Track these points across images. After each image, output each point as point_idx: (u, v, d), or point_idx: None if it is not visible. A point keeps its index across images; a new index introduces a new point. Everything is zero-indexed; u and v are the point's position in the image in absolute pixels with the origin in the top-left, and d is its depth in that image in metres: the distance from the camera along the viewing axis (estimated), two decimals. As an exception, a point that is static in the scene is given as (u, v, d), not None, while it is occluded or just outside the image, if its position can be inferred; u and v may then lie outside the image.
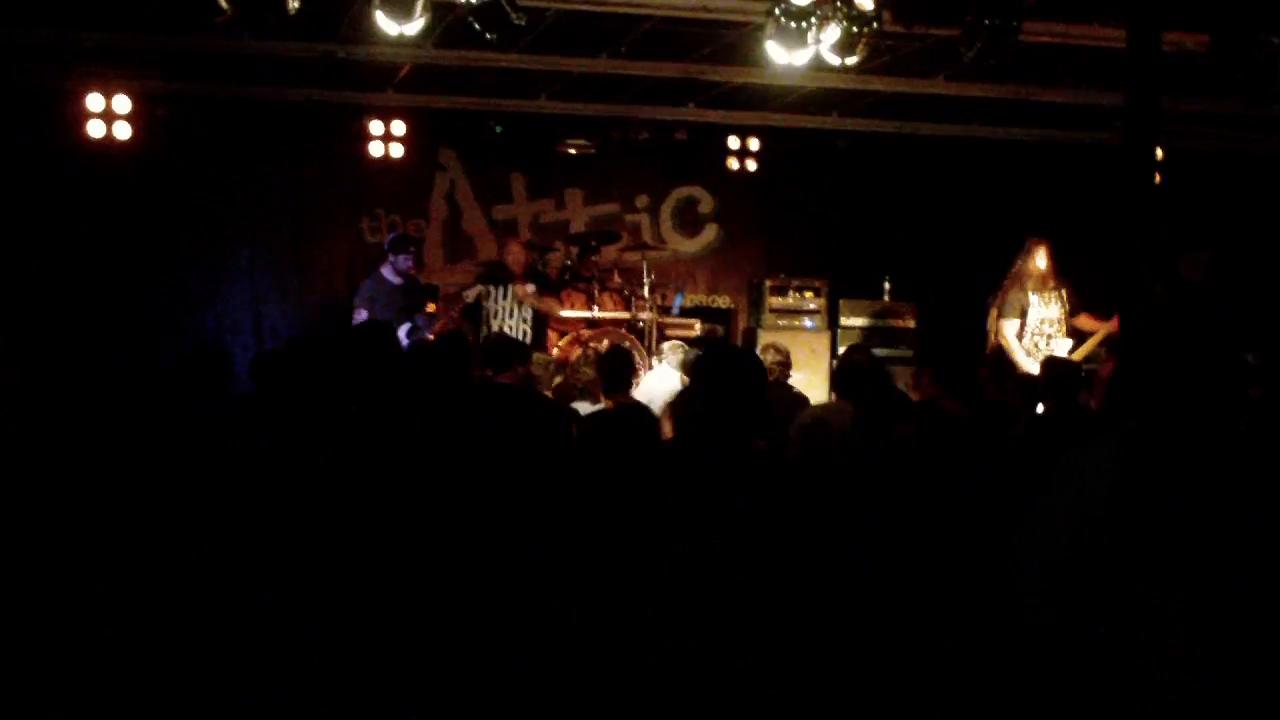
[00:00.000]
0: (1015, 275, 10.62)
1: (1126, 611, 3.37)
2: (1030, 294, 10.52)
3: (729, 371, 3.94)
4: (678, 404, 8.53)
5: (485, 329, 11.30)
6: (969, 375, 8.27)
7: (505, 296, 10.96)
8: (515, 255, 11.76)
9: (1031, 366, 9.65)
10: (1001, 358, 10.17)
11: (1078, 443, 3.70)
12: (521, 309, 11.03)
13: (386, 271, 11.37)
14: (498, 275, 11.77)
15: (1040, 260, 10.55)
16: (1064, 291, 10.61)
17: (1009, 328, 10.49)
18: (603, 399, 8.31)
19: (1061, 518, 3.58)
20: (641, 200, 13.93)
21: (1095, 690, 3.39)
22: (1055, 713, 3.50)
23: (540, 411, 7.52)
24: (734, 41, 10.12)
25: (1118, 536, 3.42)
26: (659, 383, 9.89)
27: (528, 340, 10.74)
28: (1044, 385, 7.88)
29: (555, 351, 11.41)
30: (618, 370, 8.36)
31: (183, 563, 4.63)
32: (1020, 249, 10.73)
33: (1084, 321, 10.53)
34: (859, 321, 13.22)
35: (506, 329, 11.17)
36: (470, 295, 11.75)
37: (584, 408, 8.36)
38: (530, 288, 11.50)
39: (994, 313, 10.66)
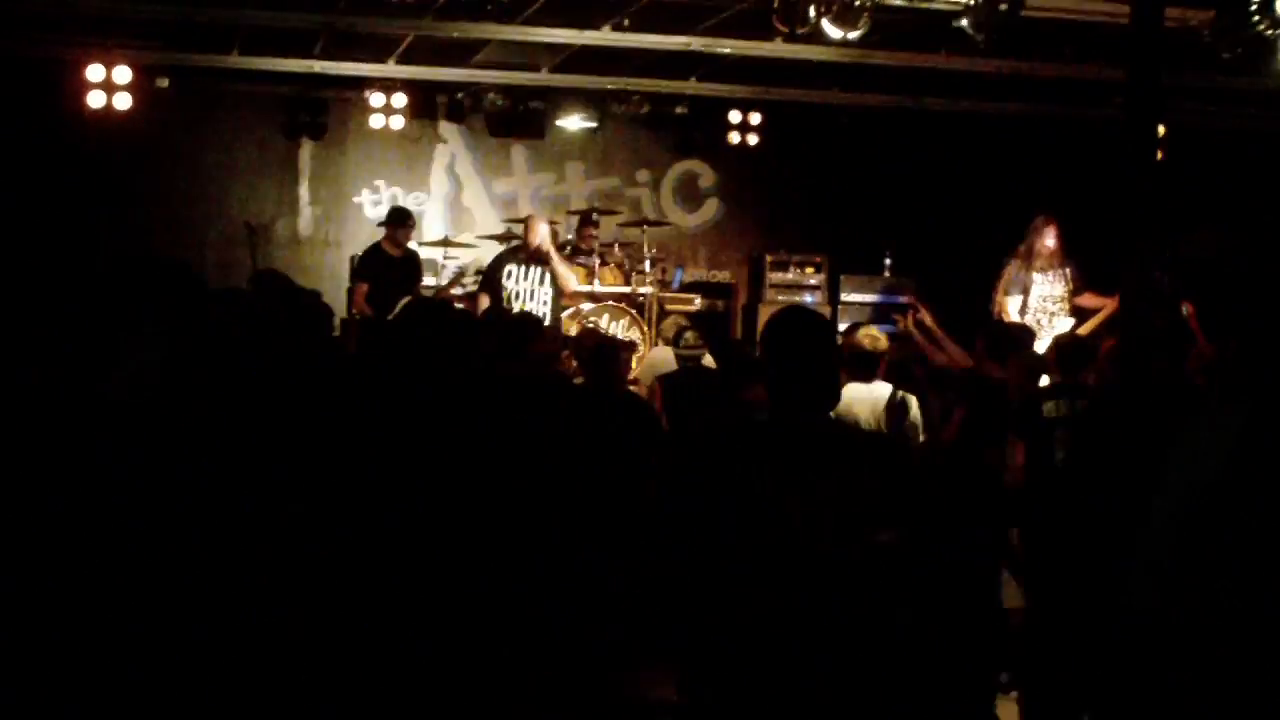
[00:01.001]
0: (1022, 252, 10.58)
1: (1230, 601, 3.29)
2: (1034, 273, 10.50)
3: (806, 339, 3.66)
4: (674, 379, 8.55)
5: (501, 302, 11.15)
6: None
7: (527, 277, 10.89)
8: (541, 232, 11.58)
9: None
10: (1002, 331, 10.11)
11: (1190, 424, 3.59)
12: (543, 288, 10.94)
13: (385, 244, 11.36)
14: (521, 256, 11.59)
15: (1049, 239, 10.50)
16: (1068, 270, 10.58)
17: (1012, 304, 10.47)
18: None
19: (1169, 504, 3.47)
20: (642, 174, 13.94)
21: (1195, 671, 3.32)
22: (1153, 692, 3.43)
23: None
24: (736, 15, 10.09)
25: (1222, 524, 3.33)
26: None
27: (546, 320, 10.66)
28: (1054, 362, 7.88)
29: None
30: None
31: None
32: (1029, 226, 10.67)
33: (1088, 299, 10.49)
34: (860, 297, 13.21)
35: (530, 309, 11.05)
36: (470, 269, 11.74)
37: None
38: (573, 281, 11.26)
39: (999, 287, 10.62)
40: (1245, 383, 3.78)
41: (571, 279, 10.88)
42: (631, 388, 8.83)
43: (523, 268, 10.79)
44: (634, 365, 9.85)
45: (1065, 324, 10.34)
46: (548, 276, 10.68)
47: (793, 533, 3.37)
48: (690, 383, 8.44)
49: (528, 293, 10.81)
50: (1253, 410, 3.36)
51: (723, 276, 13.68)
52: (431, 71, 12.32)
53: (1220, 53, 8.96)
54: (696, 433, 7.35)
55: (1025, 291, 10.48)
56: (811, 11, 8.63)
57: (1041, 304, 10.46)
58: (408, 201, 13.08)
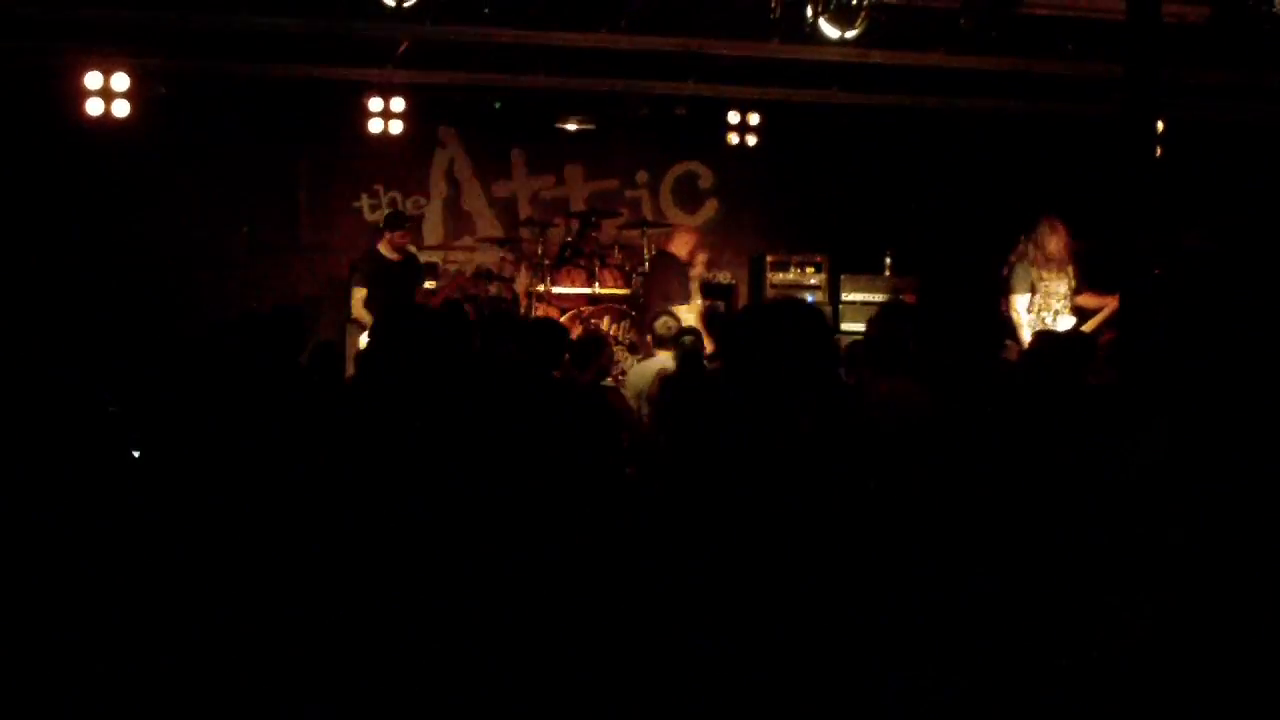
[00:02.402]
0: (1030, 252, 10.54)
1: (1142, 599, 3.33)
2: (1042, 270, 10.48)
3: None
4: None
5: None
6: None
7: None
8: (689, 245, 11.41)
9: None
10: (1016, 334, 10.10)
11: (1103, 426, 3.63)
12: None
13: (383, 248, 11.34)
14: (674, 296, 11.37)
15: (1057, 241, 10.46)
16: (1070, 268, 10.57)
17: (1020, 302, 10.46)
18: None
19: (1089, 500, 3.49)
20: (641, 176, 13.93)
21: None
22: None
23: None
24: (733, 15, 10.10)
25: (1146, 519, 3.36)
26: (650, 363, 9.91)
27: None
28: (1034, 358, 7.88)
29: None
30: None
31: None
32: (1036, 227, 10.63)
33: (1086, 299, 10.48)
34: (860, 296, 13.19)
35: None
36: (470, 270, 11.74)
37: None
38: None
39: (1009, 286, 10.58)
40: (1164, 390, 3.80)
41: None
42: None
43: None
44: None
45: (1068, 322, 10.33)
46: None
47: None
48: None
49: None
50: (1173, 422, 3.38)
51: (723, 277, 13.66)
52: (430, 75, 12.32)
53: (1217, 48, 8.97)
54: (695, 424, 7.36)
55: (1034, 290, 10.46)
56: (809, 11, 8.64)
57: (1045, 302, 10.45)
58: (407, 205, 13.08)
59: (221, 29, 10.78)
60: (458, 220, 13.51)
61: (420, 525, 4.09)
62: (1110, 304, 10.06)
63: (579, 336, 9.82)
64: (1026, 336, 10.15)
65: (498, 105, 12.99)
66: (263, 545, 4.22)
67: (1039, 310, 10.44)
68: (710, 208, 14.10)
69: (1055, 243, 10.47)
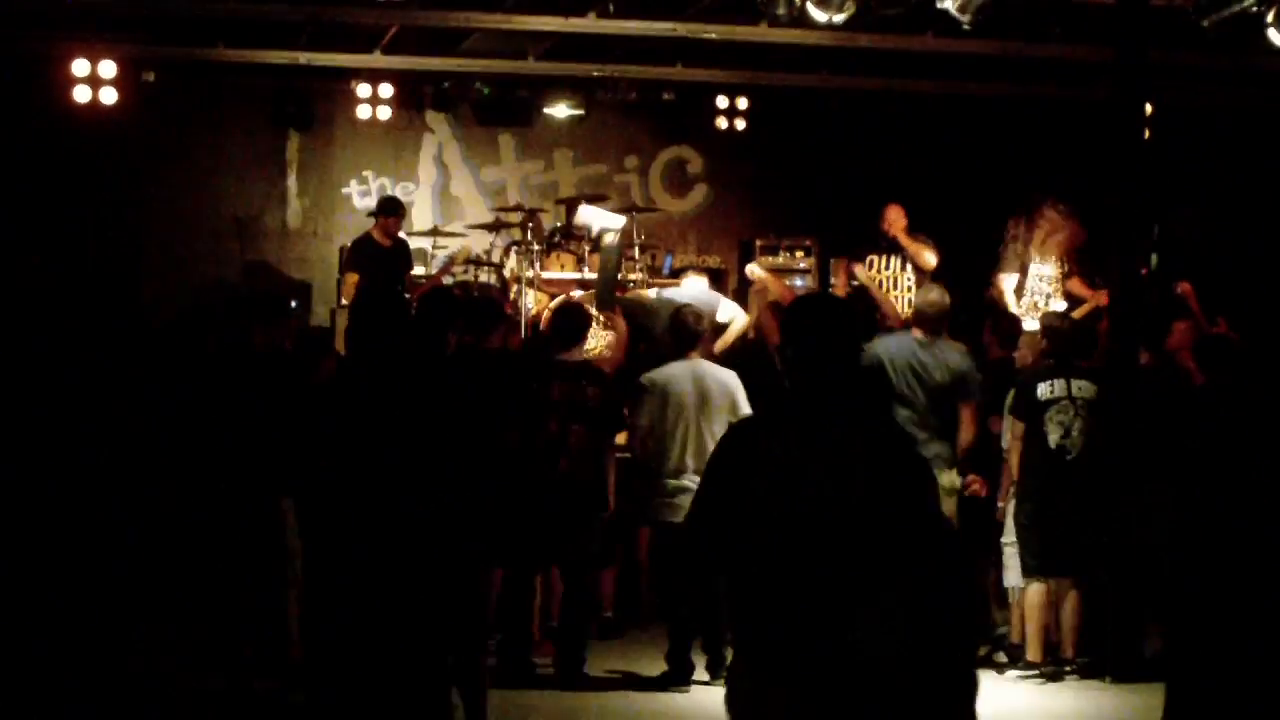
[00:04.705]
0: (1021, 232, 10.52)
1: None
2: (1032, 250, 10.47)
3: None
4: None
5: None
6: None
7: (889, 266, 10.71)
8: (896, 220, 10.96)
9: (1028, 324, 9.61)
10: (1001, 314, 10.08)
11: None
12: (905, 273, 10.75)
13: (375, 234, 11.33)
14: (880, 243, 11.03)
15: (1052, 227, 10.44)
16: (1061, 253, 10.55)
17: (1008, 282, 10.45)
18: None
19: None
20: (630, 161, 13.92)
21: None
22: None
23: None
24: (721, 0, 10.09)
25: None
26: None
27: None
28: (1045, 341, 7.93)
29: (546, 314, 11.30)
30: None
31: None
32: (1033, 208, 10.60)
33: (1075, 285, 10.47)
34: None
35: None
36: (459, 257, 11.72)
37: None
38: (930, 257, 10.77)
39: (1000, 266, 10.56)
40: None
41: (929, 256, 10.58)
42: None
43: (883, 256, 10.71)
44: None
45: (1059, 306, 10.33)
46: (908, 262, 10.59)
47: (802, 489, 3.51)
48: None
49: (891, 280, 10.70)
50: None
51: (713, 261, 13.64)
52: (418, 61, 12.30)
53: (1205, 31, 8.96)
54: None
55: (1023, 271, 10.45)
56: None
57: (1038, 285, 10.43)
58: (396, 191, 13.05)
59: (208, 16, 10.76)
60: (446, 206, 13.49)
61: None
62: (1095, 299, 10.04)
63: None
64: (1015, 314, 10.08)
65: (486, 91, 12.97)
66: None
67: (1032, 294, 10.43)
68: (699, 192, 14.10)
69: (1051, 227, 10.45)
